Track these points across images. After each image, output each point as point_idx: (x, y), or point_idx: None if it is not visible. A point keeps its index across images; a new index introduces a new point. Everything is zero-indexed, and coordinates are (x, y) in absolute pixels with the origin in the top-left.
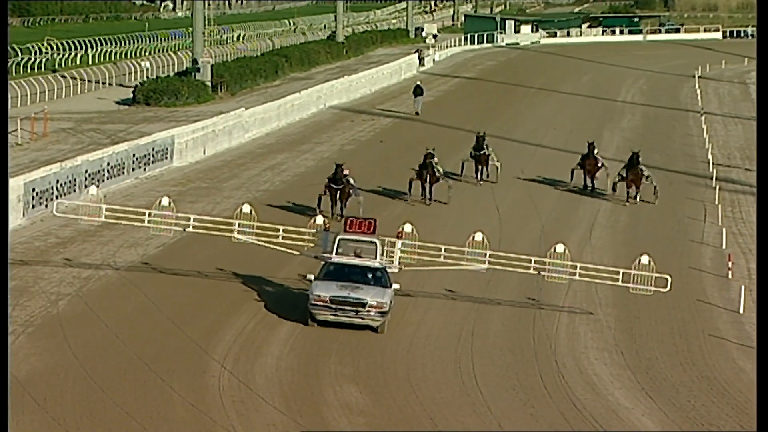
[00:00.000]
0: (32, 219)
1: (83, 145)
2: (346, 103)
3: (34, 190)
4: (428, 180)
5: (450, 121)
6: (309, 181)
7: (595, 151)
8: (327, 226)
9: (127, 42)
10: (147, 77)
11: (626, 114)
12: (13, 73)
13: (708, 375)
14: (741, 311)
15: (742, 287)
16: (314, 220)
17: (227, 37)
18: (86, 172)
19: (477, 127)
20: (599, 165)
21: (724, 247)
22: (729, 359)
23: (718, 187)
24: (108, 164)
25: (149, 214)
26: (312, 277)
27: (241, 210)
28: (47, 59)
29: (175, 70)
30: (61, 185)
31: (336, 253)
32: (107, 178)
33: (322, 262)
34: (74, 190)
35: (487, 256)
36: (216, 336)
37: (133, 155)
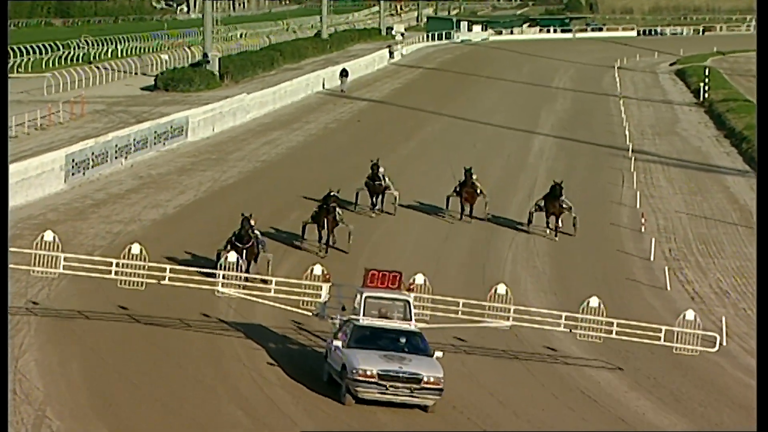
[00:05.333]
0: (72, 185)
1: (114, 123)
2: (330, 89)
3: (73, 160)
4: (327, 226)
5: (415, 104)
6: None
7: (473, 177)
8: (327, 276)
9: (149, 39)
10: (166, 68)
11: (559, 98)
12: (56, 65)
13: (625, 312)
14: (652, 259)
15: (653, 240)
16: (311, 270)
17: (232, 35)
18: (116, 145)
19: (439, 108)
20: (477, 192)
21: (638, 206)
22: (642, 299)
23: (633, 158)
24: (134, 139)
25: (117, 264)
26: (339, 343)
27: (226, 258)
28: (84, 53)
29: (189, 62)
30: (96, 156)
31: (363, 314)
32: (133, 151)
33: (333, 320)
34: (107, 161)
35: (512, 311)
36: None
37: (155, 132)
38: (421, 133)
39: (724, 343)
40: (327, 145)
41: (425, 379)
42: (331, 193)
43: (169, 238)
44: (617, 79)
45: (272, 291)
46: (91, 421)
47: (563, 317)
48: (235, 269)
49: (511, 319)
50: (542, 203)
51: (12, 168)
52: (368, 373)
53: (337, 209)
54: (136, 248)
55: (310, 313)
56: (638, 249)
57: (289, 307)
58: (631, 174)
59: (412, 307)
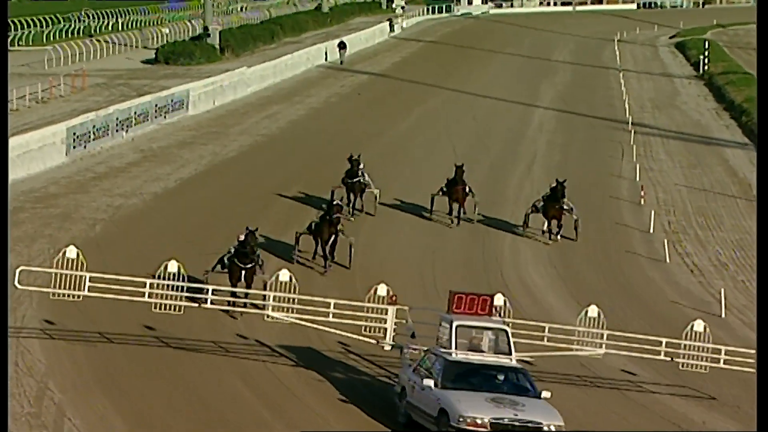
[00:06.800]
0: (73, 158)
1: (115, 97)
2: (331, 63)
3: (74, 134)
4: (330, 241)
5: (415, 77)
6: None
7: (464, 176)
8: (393, 297)
9: (150, 12)
10: (167, 41)
11: (559, 71)
12: (57, 38)
13: (623, 282)
14: (651, 232)
15: (652, 212)
16: (374, 290)
17: (232, 8)
18: (117, 119)
19: (440, 82)
20: (467, 191)
21: (637, 179)
22: (640, 270)
23: (633, 131)
24: (135, 113)
25: (151, 285)
26: (431, 382)
27: (277, 277)
28: (85, 26)
29: (190, 36)
30: (97, 130)
31: (456, 347)
32: (134, 124)
33: (405, 351)
34: (108, 134)
35: (605, 337)
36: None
37: (156, 105)
38: (421, 107)
39: (723, 316)
40: (328, 119)
41: (545, 428)
42: (335, 203)
43: (168, 211)
44: (617, 52)
45: (330, 315)
46: (93, 394)
47: (663, 343)
48: (287, 290)
49: (604, 346)
50: (540, 204)
51: (13, 141)
52: (478, 421)
53: (341, 226)
54: (173, 266)
55: (375, 341)
56: (638, 222)
57: (349, 334)
58: (630, 147)
59: (511, 338)
